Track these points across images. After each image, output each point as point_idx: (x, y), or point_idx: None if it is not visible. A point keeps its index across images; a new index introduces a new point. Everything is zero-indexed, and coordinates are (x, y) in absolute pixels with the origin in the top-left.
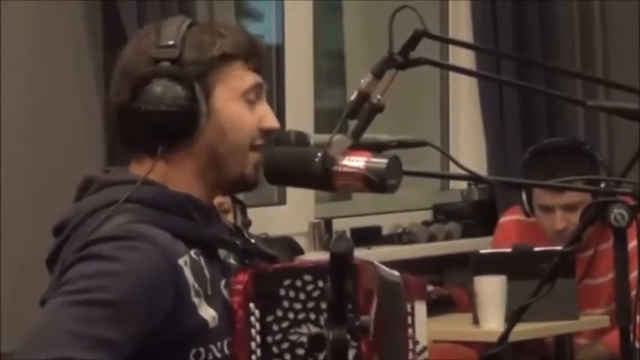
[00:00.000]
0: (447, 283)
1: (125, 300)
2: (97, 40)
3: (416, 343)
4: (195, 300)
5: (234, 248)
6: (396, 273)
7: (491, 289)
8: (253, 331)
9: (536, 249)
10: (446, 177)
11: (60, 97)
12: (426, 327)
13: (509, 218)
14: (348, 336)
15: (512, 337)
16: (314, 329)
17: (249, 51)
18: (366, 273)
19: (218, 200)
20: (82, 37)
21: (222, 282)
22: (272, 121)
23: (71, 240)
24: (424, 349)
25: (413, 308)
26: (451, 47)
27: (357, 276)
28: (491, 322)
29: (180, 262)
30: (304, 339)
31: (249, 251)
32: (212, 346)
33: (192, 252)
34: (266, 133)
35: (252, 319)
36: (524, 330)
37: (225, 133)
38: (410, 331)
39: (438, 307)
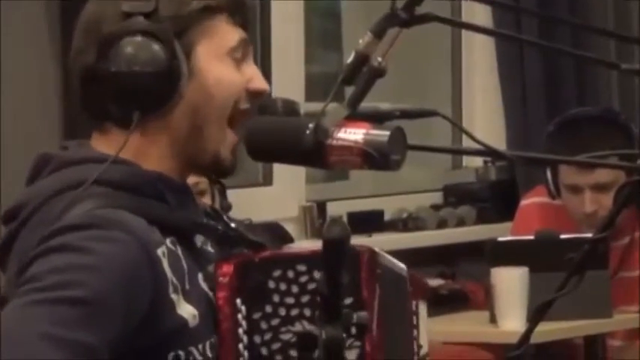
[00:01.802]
0: (459, 276)
1: (101, 298)
2: None
3: (420, 347)
4: (174, 297)
5: (214, 234)
6: (402, 265)
7: (510, 283)
8: (240, 330)
9: (563, 236)
10: (458, 152)
11: (10, 61)
12: (427, 332)
13: (532, 201)
14: (344, 334)
15: (535, 338)
16: (309, 327)
17: (234, 3)
18: (368, 262)
19: (193, 180)
20: None
21: (200, 274)
22: (261, 83)
23: (28, 229)
24: (426, 356)
25: (417, 308)
26: (464, 3)
27: (358, 265)
28: (511, 321)
29: (159, 252)
30: None
31: (230, 237)
32: (192, 349)
33: (167, 241)
34: (254, 95)
35: (239, 316)
36: (549, 330)
37: (210, 94)
38: (415, 332)
39: (450, 303)
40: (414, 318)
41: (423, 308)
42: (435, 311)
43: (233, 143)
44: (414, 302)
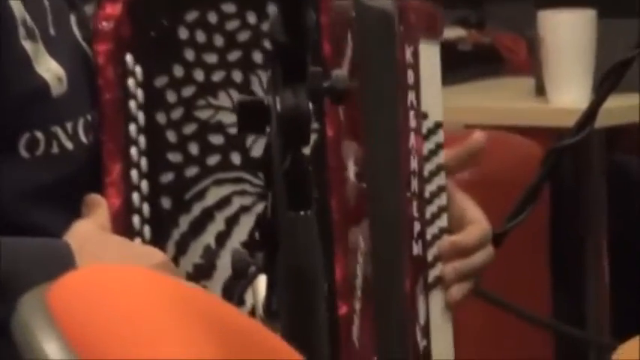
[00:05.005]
0: (489, 22)
1: None
2: None
3: (422, 117)
4: (27, 45)
5: None
6: None
7: (567, 34)
8: (133, 103)
9: None
10: None
11: None
12: (441, 85)
13: None
14: (311, 104)
15: (602, 120)
16: (247, 98)
17: None
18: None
19: None
20: None
21: (73, 17)
22: None
23: None
24: (436, 126)
25: (416, 54)
26: None
27: (315, 5)
28: (567, 92)
29: None
30: (224, 117)
31: None
32: (57, 129)
33: None
34: None
35: (131, 82)
36: (624, 107)
37: None
38: (411, 96)
39: (475, 65)
40: (409, 73)
41: (428, 51)
42: (452, 77)
43: None
44: (408, 48)
